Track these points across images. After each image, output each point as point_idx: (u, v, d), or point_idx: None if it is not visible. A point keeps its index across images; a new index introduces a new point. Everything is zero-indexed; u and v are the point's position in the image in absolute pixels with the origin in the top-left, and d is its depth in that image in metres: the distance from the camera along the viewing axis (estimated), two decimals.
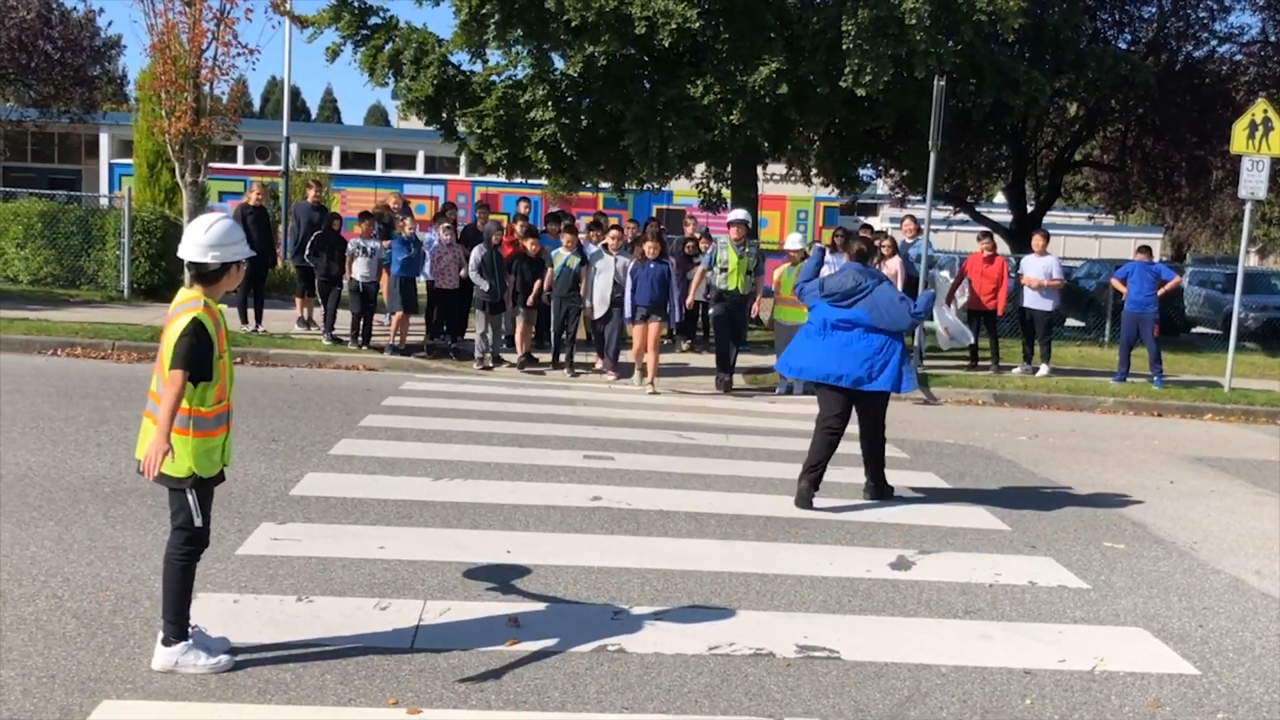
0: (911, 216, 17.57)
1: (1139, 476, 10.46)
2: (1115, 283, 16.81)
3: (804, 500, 8.30)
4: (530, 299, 14.90)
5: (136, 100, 25.49)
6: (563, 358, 14.92)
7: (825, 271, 11.04)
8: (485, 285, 14.62)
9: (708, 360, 15.71)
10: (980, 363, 16.92)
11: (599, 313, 14.56)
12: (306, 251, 15.30)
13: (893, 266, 16.54)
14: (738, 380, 14.66)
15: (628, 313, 14.01)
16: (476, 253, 14.74)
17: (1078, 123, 27.18)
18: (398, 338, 15.18)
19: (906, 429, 12.12)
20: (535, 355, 15.32)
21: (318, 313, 16.31)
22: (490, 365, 14.79)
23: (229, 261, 4.84)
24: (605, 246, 14.74)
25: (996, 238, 18.24)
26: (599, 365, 14.97)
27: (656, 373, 13.81)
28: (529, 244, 15.02)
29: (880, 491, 8.84)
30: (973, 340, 16.46)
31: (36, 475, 7.78)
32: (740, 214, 14.83)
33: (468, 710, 4.62)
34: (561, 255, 14.73)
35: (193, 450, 4.69)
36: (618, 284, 14.20)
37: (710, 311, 15.29)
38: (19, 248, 19.95)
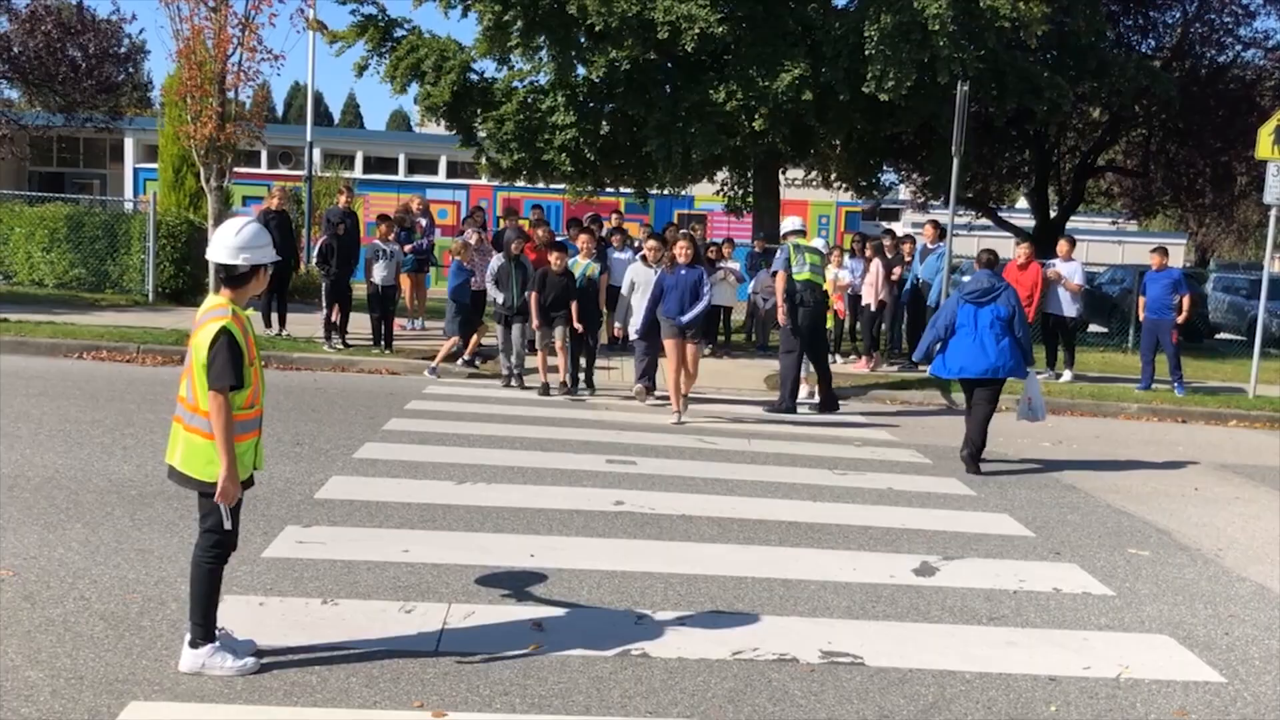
0: (934, 221, 17.52)
1: (1163, 483, 10.41)
2: (1141, 301, 16.50)
3: (974, 467, 10.30)
4: (575, 320, 13.04)
5: (161, 105, 25.65)
6: (579, 376, 13.56)
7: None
8: (500, 297, 13.51)
9: (744, 371, 15.65)
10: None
11: (635, 331, 12.80)
12: (315, 258, 15.25)
13: (875, 269, 16.59)
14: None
15: (634, 327, 12.71)
16: (494, 262, 13.81)
17: (1101, 128, 27.10)
18: (462, 359, 14.51)
19: (930, 435, 12.10)
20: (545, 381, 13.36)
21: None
22: (514, 384, 13.54)
23: (258, 264, 4.88)
24: (643, 257, 13.43)
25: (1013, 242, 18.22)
26: (635, 390, 13.23)
27: (687, 398, 12.12)
28: (554, 260, 13.13)
29: (974, 468, 10.32)
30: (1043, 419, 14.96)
31: (64, 478, 7.84)
32: (791, 224, 13.77)
33: (493, 713, 4.63)
34: (580, 263, 13.48)
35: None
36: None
37: (780, 322, 13.17)
38: (45, 252, 20.10)
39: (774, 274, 13.23)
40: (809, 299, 12.82)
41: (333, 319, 15.07)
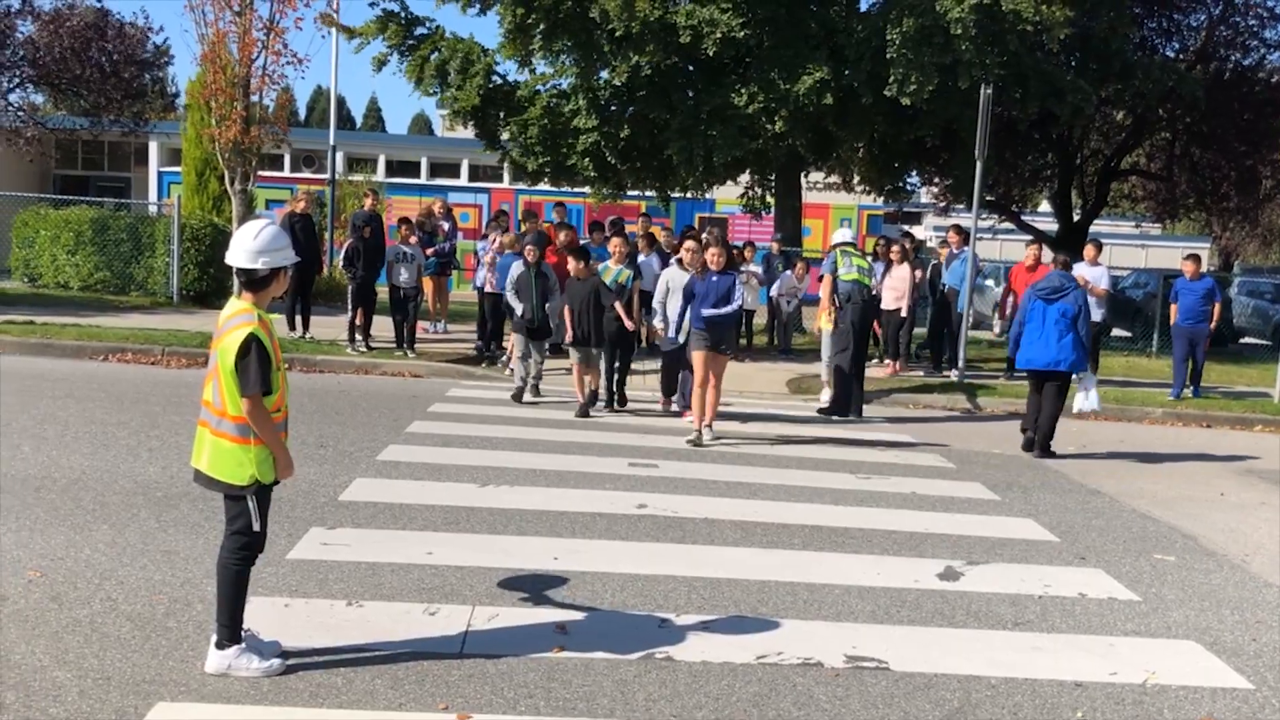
0: (957, 226, 17.47)
1: (1188, 488, 10.35)
2: (1173, 308, 16.25)
3: (1030, 447, 11.48)
4: (628, 321, 12.32)
5: (186, 109, 25.79)
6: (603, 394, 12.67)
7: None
8: (520, 308, 12.55)
9: (766, 374, 15.65)
10: (1018, 372, 16.76)
11: (671, 341, 12.04)
12: (341, 261, 15.24)
13: (902, 274, 16.49)
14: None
15: (668, 332, 12.00)
16: (514, 270, 12.76)
17: (1124, 131, 26.96)
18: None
19: (954, 439, 12.07)
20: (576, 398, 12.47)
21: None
22: (525, 399, 12.59)
23: (278, 266, 4.89)
24: (679, 260, 12.54)
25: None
26: (671, 406, 12.73)
27: (714, 415, 11.18)
28: (574, 269, 12.36)
29: (1046, 453, 11.39)
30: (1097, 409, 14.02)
31: (90, 479, 7.88)
32: (841, 235, 13.53)
33: (517, 716, 4.64)
34: (611, 270, 12.47)
35: (254, 458, 4.75)
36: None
37: (827, 327, 13.13)
38: (70, 254, 20.22)
39: (820, 279, 13.12)
40: (858, 297, 12.80)
41: (357, 321, 15.11)
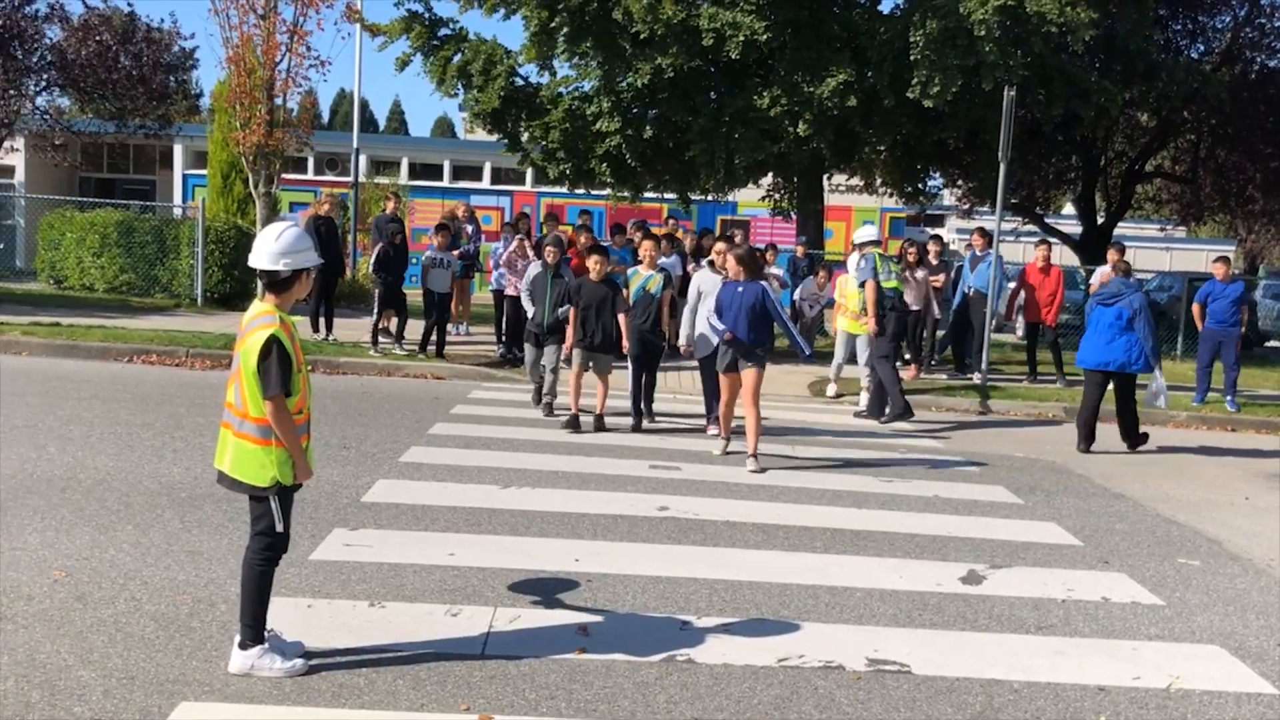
0: (981, 229, 17.41)
1: (1213, 492, 10.29)
2: (1196, 310, 15.78)
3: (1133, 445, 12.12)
4: (625, 341, 11.39)
5: (211, 112, 25.94)
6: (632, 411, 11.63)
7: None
8: (532, 311, 11.94)
9: (788, 377, 15.58)
10: (1039, 375, 16.67)
11: (703, 351, 11.26)
12: (372, 264, 15.22)
13: (921, 276, 16.46)
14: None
15: (682, 342, 11.44)
16: (531, 270, 12.26)
17: (1149, 133, 26.83)
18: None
19: (976, 442, 12.03)
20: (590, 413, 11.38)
21: (394, 323, 16.49)
22: (548, 412, 11.72)
23: (300, 269, 4.90)
24: (711, 262, 11.86)
25: (1066, 248, 18.05)
26: (709, 430, 11.37)
27: (757, 440, 9.93)
28: (593, 264, 11.34)
29: (1134, 444, 12.07)
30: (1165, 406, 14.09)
31: (115, 480, 7.93)
32: (864, 234, 13.32)
33: (539, 717, 4.64)
34: (640, 275, 11.74)
35: (276, 459, 4.77)
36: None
37: (862, 331, 13.02)
38: (95, 256, 20.35)
39: (862, 284, 12.79)
40: (898, 304, 13.03)
41: (381, 324, 15.14)
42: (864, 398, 13.45)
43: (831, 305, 16.36)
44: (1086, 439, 11.93)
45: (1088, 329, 12.07)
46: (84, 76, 24.44)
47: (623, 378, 12.00)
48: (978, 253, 16.91)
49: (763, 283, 10.16)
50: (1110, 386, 11.97)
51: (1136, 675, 5.51)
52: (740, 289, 10.05)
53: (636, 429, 11.36)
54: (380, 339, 15.83)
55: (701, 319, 11.07)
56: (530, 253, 14.74)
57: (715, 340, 10.39)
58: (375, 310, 15.35)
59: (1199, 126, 25.79)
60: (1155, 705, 5.18)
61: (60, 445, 8.84)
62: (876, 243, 13.26)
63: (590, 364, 11.27)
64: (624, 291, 11.44)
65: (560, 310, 11.51)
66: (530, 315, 11.97)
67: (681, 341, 11.57)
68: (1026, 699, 5.15)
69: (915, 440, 11.96)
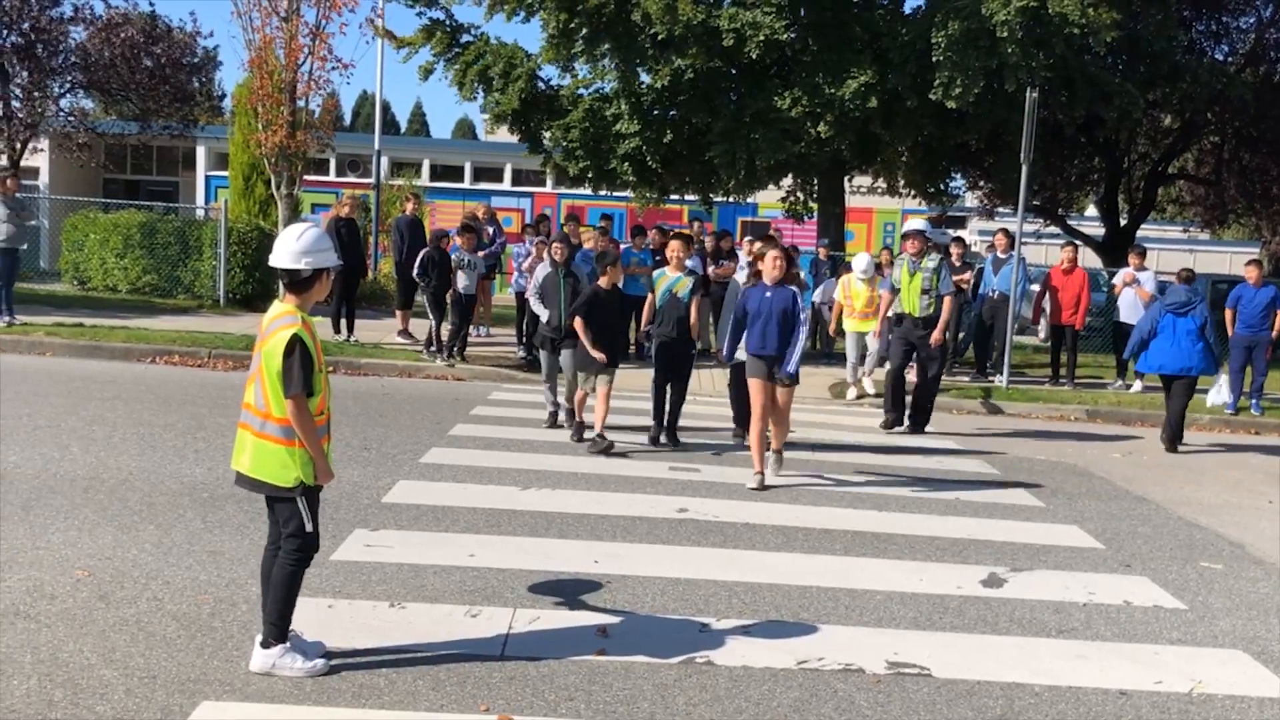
0: (1004, 230, 17.33)
1: (1236, 495, 10.23)
2: (1228, 314, 15.51)
3: (1172, 447, 12.45)
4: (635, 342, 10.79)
5: (233, 114, 26.05)
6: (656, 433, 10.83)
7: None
8: (545, 314, 11.16)
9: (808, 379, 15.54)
10: (1060, 378, 16.60)
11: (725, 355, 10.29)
12: (416, 270, 14.96)
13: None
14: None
15: (723, 351, 10.14)
16: (539, 271, 11.54)
17: (1172, 135, 26.69)
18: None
19: (997, 445, 11.98)
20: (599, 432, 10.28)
21: (414, 324, 16.53)
22: (562, 424, 11.06)
23: (320, 268, 4.91)
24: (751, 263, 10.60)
25: (1088, 250, 17.97)
26: (745, 440, 10.43)
27: (781, 444, 9.61)
28: (604, 278, 10.49)
29: (1176, 445, 12.45)
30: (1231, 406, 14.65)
31: (137, 480, 7.97)
32: (914, 225, 12.53)
33: (558, 719, 4.65)
34: (667, 277, 10.83)
35: (299, 459, 4.78)
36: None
37: (935, 342, 12.32)
38: (119, 257, 20.44)
39: (948, 295, 12.14)
40: (904, 322, 12.39)
41: (400, 327, 15.11)
42: (867, 384, 13.79)
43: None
44: (1177, 439, 12.53)
45: (1158, 336, 12.42)
46: (108, 78, 24.59)
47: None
48: (1000, 254, 16.85)
49: (793, 287, 9.38)
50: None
51: (1158, 679, 5.48)
52: (769, 294, 9.22)
53: (655, 441, 10.66)
54: (399, 339, 15.90)
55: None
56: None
57: (727, 354, 9.88)
58: (432, 318, 15.05)
59: (1223, 128, 25.64)
60: (1177, 710, 5.15)
61: (83, 445, 8.90)
62: (920, 234, 12.32)
63: (592, 383, 10.45)
64: (651, 294, 10.87)
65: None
66: (544, 319, 11.13)
67: (721, 352, 10.35)
68: (1047, 702, 5.13)
69: (936, 442, 11.92)
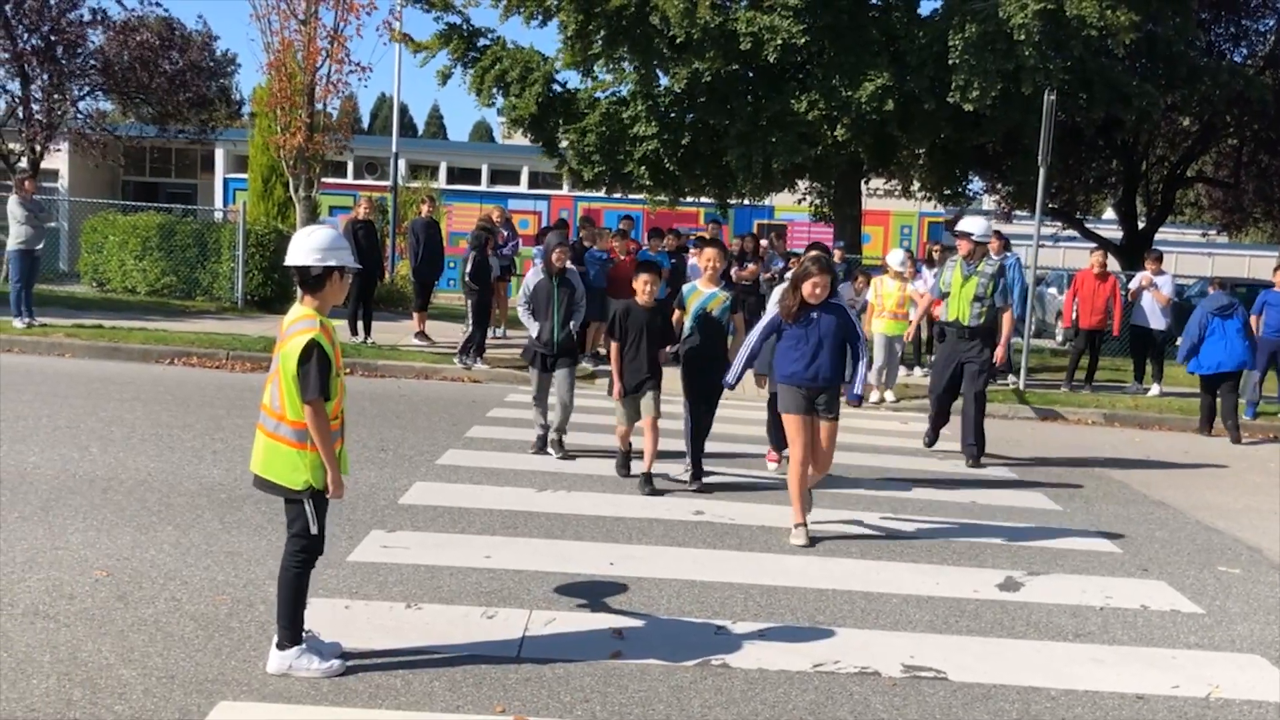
0: (997, 232, 17.21)
1: (1255, 499, 10.18)
2: (1254, 319, 14.93)
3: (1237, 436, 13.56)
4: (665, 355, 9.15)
5: (252, 116, 26.16)
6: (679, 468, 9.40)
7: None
8: (535, 328, 9.82)
9: None
10: (1076, 383, 16.52)
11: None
12: (467, 276, 14.78)
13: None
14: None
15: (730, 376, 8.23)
16: (530, 277, 10.13)
17: (1191, 137, 26.59)
18: None
19: (1014, 447, 11.95)
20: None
21: (431, 327, 16.57)
22: (548, 450, 9.85)
23: (330, 265, 4.86)
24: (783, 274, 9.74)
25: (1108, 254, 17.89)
26: (771, 466, 10.00)
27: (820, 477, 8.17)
28: (641, 286, 9.04)
29: (1237, 438, 13.45)
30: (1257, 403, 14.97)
31: (155, 481, 8.01)
32: (968, 225, 11.20)
33: None
34: (700, 292, 9.07)
35: (310, 464, 4.79)
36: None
37: (999, 361, 11.32)
38: (137, 260, 20.55)
39: (1007, 309, 11.06)
40: (948, 332, 11.37)
41: (418, 329, 15.10)
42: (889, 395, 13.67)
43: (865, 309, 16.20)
44: (1237, 429, 13.63)
45: (1209, 339, 13.56)
46: (126, 81, 24.72)
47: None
48: (993, 255, 16.72)
49: (841, 302, 7.95)
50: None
51: (1175, 684, 5.46)
52: (816, 314, 7.66)
53: (696, 480, 9.07)
54: (416, 341, 15.91)
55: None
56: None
57: (730, 378, 8.22)
58: (473, 324, 14.85)
59: (1241, 131, 25.54)
60: (1194, 715, 5.13)
61: (102, 446, 8.95)
62: (970, 235, 11.05)
63: (635, 411, 9.06)
64: (679, 312, 9.17)
65: (573, 323, 9.93)
66: (533, 333, 9.87)
67: (757, 379, 9.27)
68: (1064, 706, 5.12)
69: (953, 446, 11.87)
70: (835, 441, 7.87)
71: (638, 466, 9.04)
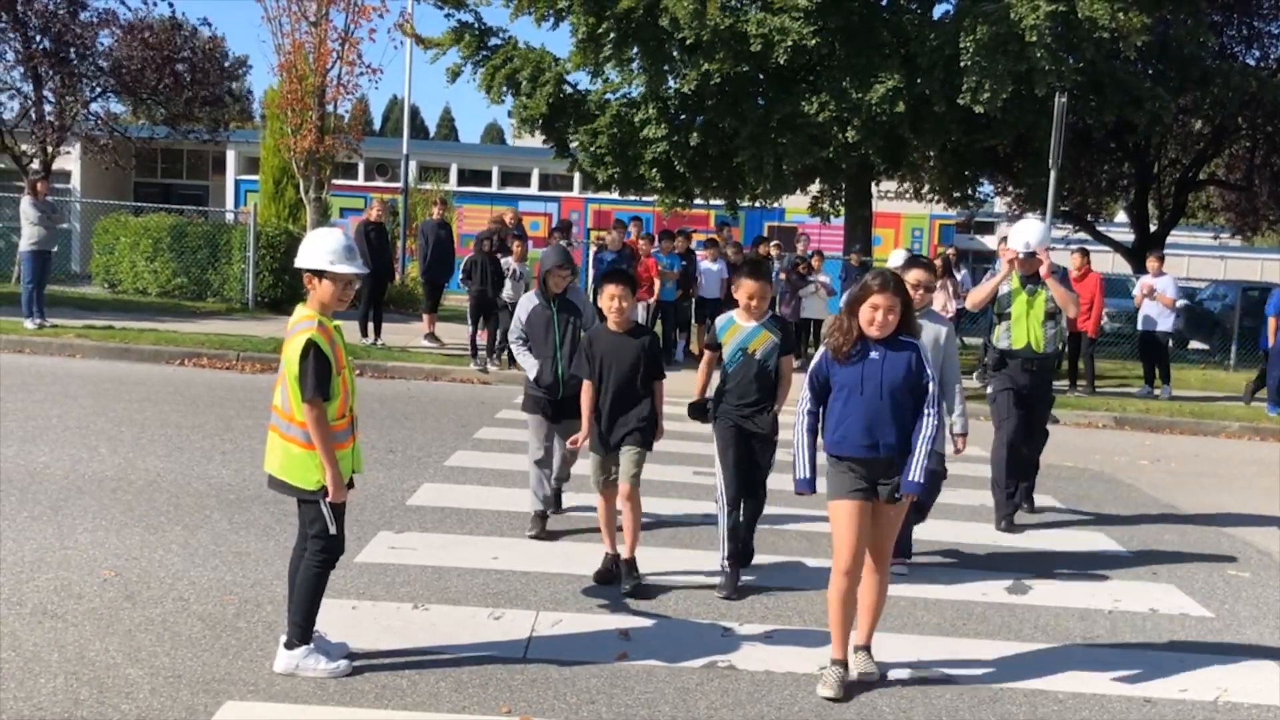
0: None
1: (1264, 503, 10.15)
2: (1272, 324, 15.34)
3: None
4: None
5: (263, 118, 26.23)
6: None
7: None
8: (532, 368, 7.41)
9: None
10: (1077, 385, 16.48)
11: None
12: (460, 275, 14.94)
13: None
14: None
15: (796, 473, 5.48)
16: (524, 301, 7.59)
17: (1203, 140, 26.51)
18: None
19: None
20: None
21: (440, 328, 16.57)
22: (544, 535, 7.36)
23: (339, 270, 4.83)
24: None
25: (1119, 256, 17.85)
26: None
27: (871, 632, 5.55)
28: (607, 297, 6.46)
29: None
30: None
31: (165, 481, 8.03)
32: (1026, 234, 8.50)
33: None
34: (738, 327, 6.48)
35: (320, 464, 4.79)
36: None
37: (988, 388, 9.64)
38: (149, 261, 20.61)
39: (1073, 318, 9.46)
40: (1011, 363, 8.78)
41: (481, 338, 15.04)
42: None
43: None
44: None
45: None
46: (136, 83, 24.80)
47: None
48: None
49: (917, 342, 5.31)
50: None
51: (1184, 688, 5.44)
52: (880, 353, 5.17)
53: (734, 582, 6.46)
54: (426, 342, 15.91)
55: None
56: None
57: (804, 475, 5.48)
58: (470, 322, 15.09)
59: (1254, 133, 25.47)
60: (1202, 718, 5.11)
61: (112, 446, 8.97)
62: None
63: (608, 471, 6.65)
64: (708, 354, 6.76)
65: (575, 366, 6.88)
66: (530, 375, 7.46)
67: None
68: (1071, 709, 5.10)
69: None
70: (895, 531, 5.49)
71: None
